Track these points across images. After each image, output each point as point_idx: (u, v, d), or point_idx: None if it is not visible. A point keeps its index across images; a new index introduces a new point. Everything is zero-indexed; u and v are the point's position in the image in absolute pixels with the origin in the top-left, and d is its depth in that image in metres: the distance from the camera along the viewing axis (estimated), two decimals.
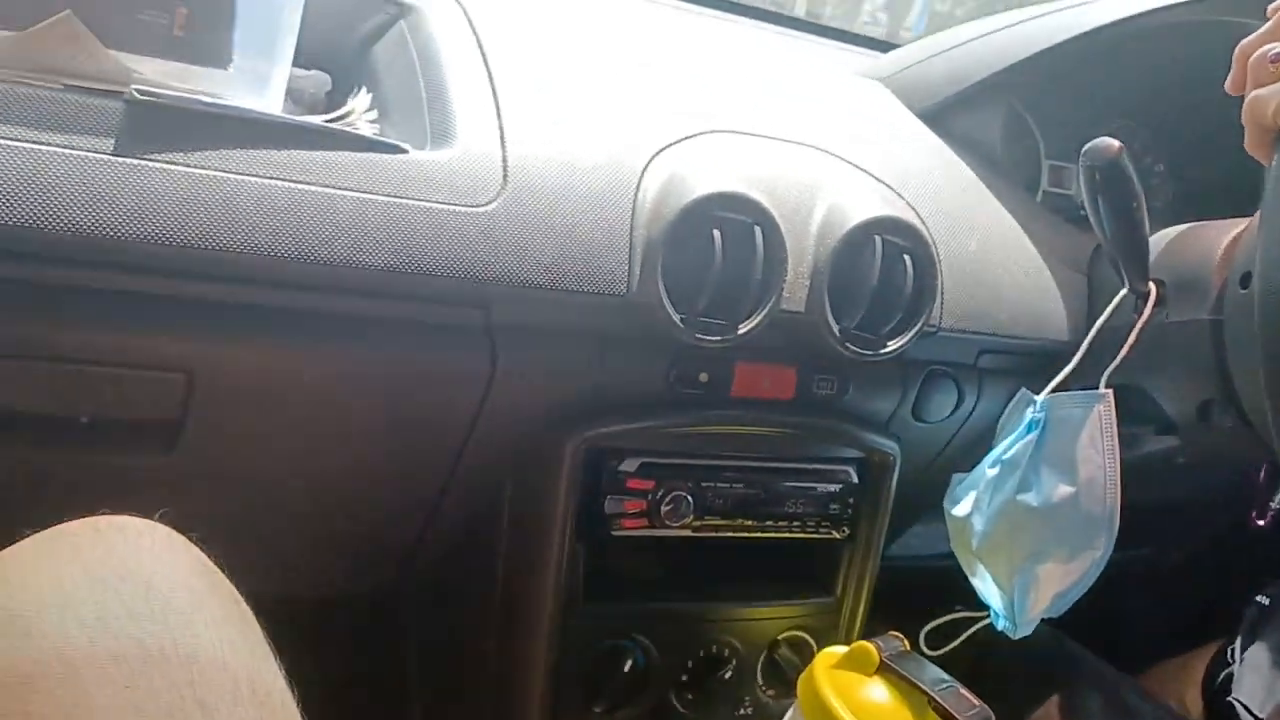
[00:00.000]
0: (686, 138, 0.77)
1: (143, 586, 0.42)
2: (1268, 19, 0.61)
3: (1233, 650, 1.07)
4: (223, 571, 0.48)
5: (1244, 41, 0.60)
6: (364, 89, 0.77)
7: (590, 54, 0.83)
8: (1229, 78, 0.61)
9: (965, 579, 0.91)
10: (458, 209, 0.66)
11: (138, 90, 0.58)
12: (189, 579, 0.45)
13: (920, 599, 1.05)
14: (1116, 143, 0.74)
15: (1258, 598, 1.09)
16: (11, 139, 0.56)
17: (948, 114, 0.95)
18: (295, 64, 0.80)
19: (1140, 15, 0.94)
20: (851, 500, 0.87)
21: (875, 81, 1.00)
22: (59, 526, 0.45)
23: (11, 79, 0.58)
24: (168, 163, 0.59)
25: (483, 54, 0.76)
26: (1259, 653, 1.05)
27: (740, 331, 0.73)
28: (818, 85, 0.96)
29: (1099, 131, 1.08)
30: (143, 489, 0.71)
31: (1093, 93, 1.06)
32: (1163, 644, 1.14)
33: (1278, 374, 0.59)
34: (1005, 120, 0.97)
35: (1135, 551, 1.20)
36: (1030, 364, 0.89)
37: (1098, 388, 0.81)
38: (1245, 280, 0.72)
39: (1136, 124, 1.11)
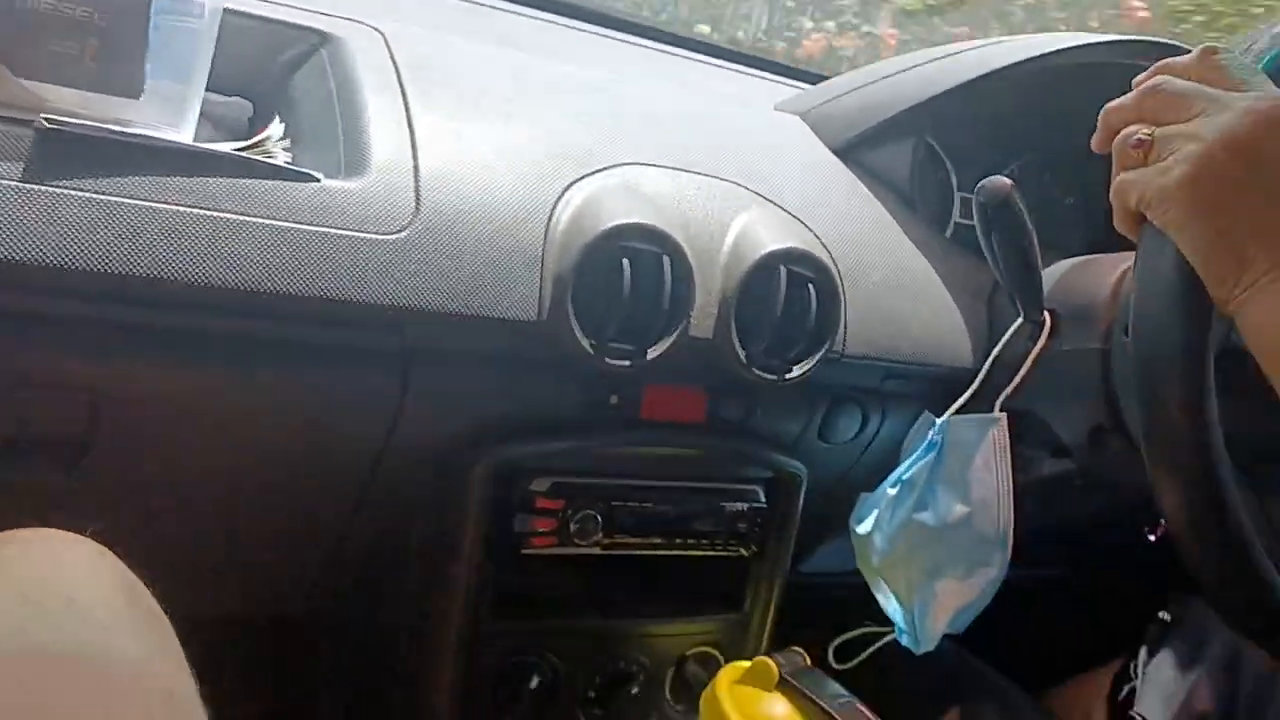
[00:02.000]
0: (600, 169, 0.80)
1: (64, 599, 0.44)
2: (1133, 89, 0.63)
3: (1135, 666, 1.11)
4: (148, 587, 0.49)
5: (1109, 106, 0.60)
6: (281, 117, 0.78)
7: (510, 83, 0.85)
8: (1095, 137, 0.62)
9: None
10: (369, 236, 0.68)
11: (47, 119, 0.60)
12: (111, 593, 0.47)
13: (832, 615, 1.08)
14: (1008, 181, 0.78)
15: (1160, 614, 1.13)
16: None
17: (860, 149, 0.99)
18: (218, 91, 0.82)
19: (1045, 56, 0.98)
20: (759, 519, 0.89)
21: (794, 116, 1.04)
22: None
23: None
24: (75, 189, 0.61)
25: (400, 83, 0.78)
26: (1160, 667, 1.09)
27: (649, 357, 0.76)
28: (736, 119, 0.99)
29: (1011, 165, 1.14)
30: (60, 506, 0.72)
31: (1004, 128, 1.10)
32: (1072, 661, 1.18)
33: (1150, 427, 0.63)
34: (917, 155, 1.01)
35: (1049, 572, 1.24)
36: (934, 389, 0.92)
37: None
38: (1128, 329, 0.76)
39: (1047, 158, 1.15)
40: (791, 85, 1.23)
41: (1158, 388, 0.61)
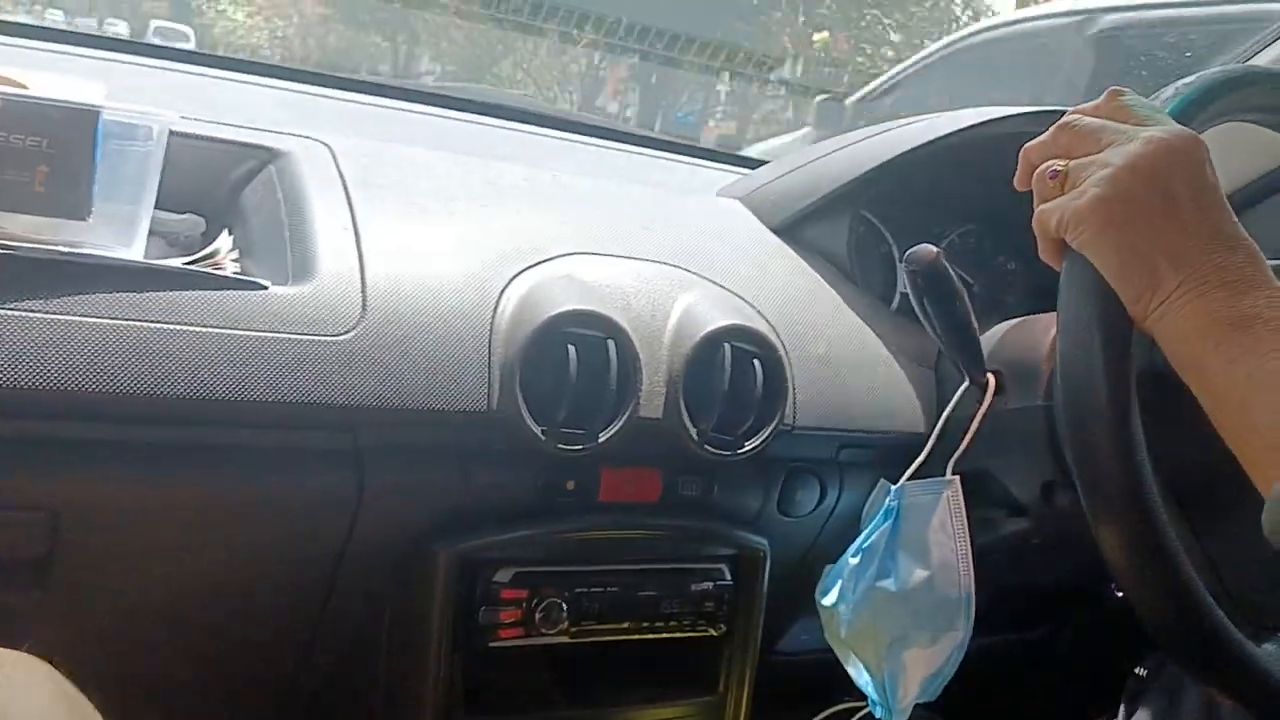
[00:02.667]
0: (543, 261, 0.83)
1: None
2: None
3: None
4: (95, 704, 0.49)
5: (1028, 145, 0.65)
6: (231, 230, 0.81)
7: (452, 185, 0.88)
8: (1017, 175, 0.66)
9: None
10: (316, 339, 0.70)
11: None
12: (49, 710, 0.47)
13: (808, 691, 1.07)
14: (934, 248, 0.81)
15: (1136, 670, 1.13)
16: None
17: (799, 227, 1.02)
18: (172, 209, 0.85)
19: (968, 129, 1.03)
20: (726, 597, 0.90)
21: (734, 200, 1.08)
22: None
23: None
24: (29, 311, 0.63)
25: (346, 192, 0.81)
26: None
27: (600, 440, 0.78)
28: (677, 206, 1.03)
29: (951, 233, 1.17)
30: (14, 622, 0.72)
31: (939, 199, 1.14)
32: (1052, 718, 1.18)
33: (1082, 470, 0.64)
34: (854, 229, 1.04)
35: (1024, 634, 1.24)
36: (890, 455, 0.94)
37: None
38: None
39: (986, 225, 1.19)
40: (734, 171, 1.27)
41: (1086, 432, 0.63)
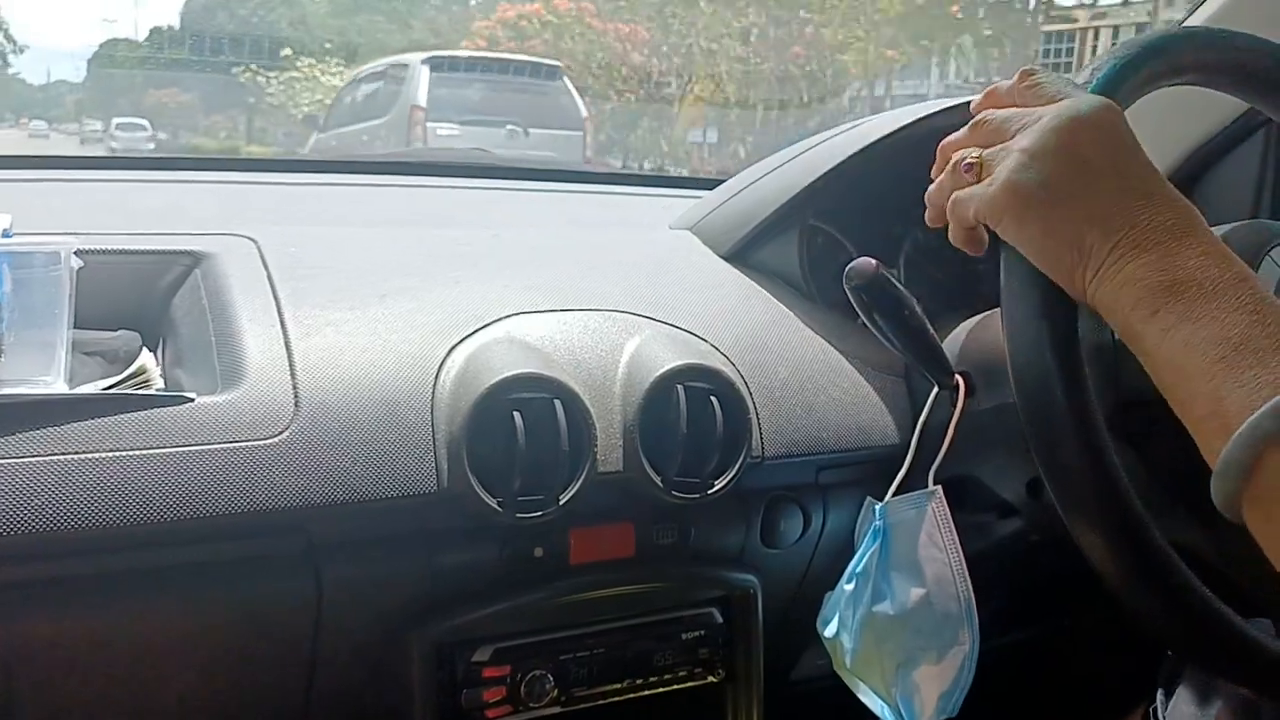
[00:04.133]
0: (480, 327, 0.81)
1: None
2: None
3: (1155, 710, 1.06)
4: None
5: (944, 141, 0.64)
6: (165, 340, 0.80)
7: (384, 262, 0.86)
8: (934, 168, 0.65)
9: None
10: (249, 444, 0.69)
11: None
12: None
13: (829, 717, 1.04)
14: (873, 261, 0.78)
15: (1169, 651, 1.09)
16: None
17: (749, 250, 1.00)
18: (105, 327, 0.84)
19: (911, 124, 1.00)
20: (721, 640, 0.87)
21: (684, 231, 1.05)
22: None
23: None
24: None
25: (273, 287, 0.80)
26: (1179, 708, 1.05)
27: (561, 502, 0.75)
28: (621, 247, 1.00)
29: (913, 233, 1.14)
30: None
31: (895, 201, 1.11)
32: (1094, 715, 1.13)
33: (1051, 475, 0.62)
34: (806, 244, 1.01)
35: (1047, 629, 1.20)
36: (872, 471, 0.91)
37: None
38: None
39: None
40: (692, 196, 1.25)
41: (1043, 426, 0.60)
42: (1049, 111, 0.58)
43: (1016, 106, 0.61)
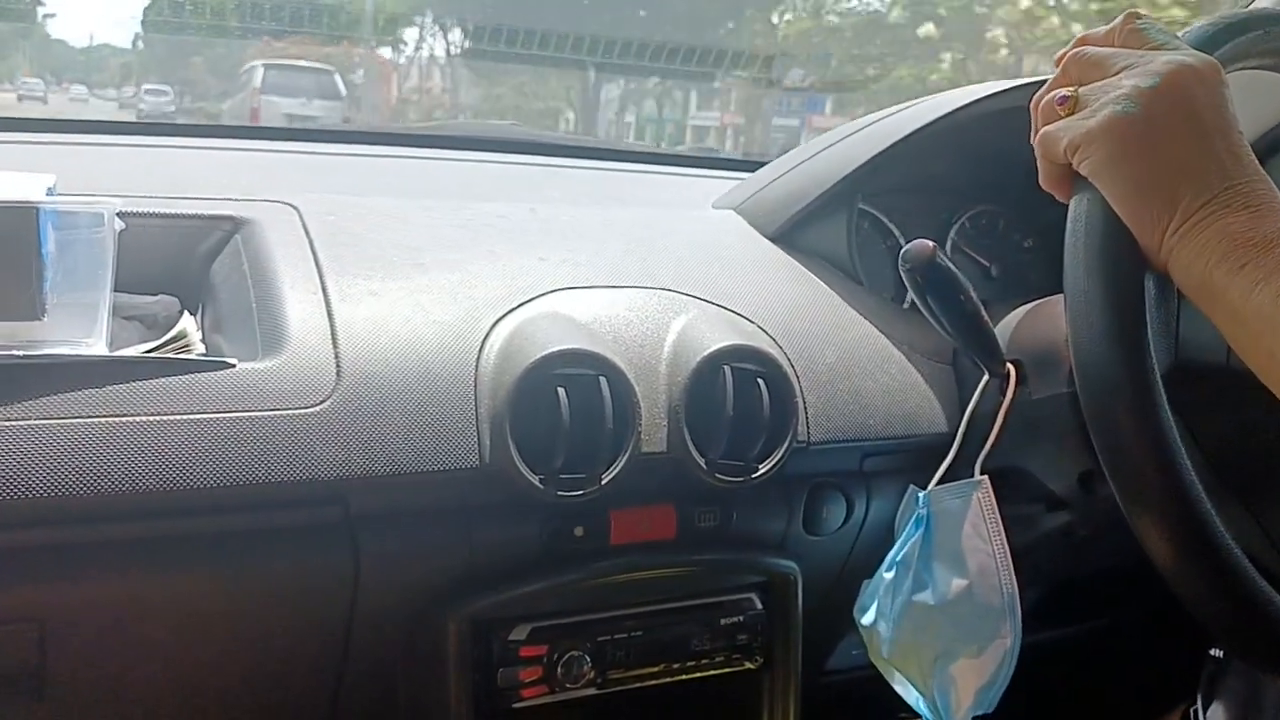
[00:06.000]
0: (524, 302, 0.79)
1: None
2: (1056, 67, 0.63)
3: (1195, 711, 1.05)
4: None
5: (1037, 94, 0.62)
6: (205, 306, 0.79)
7: (425, 233, 0.85)
8: (1032, 131, 0.62)
9: None
10: (291, 413, 0.68)
11: None
12: None
13: (865, 706, 1.02)
14: (930, 243, 0.76)
15: (1211, 652, 1.07)
16: None
17: (796, 232, 0.98)
18: (146, 292, 0.83)
19: (963, 108, 0.97)
20: (759, 627, 0.85)
21: (729, 211, 1.03)
22: None
23: None
24: None
25: (314, 254, 0.78)
26: (1220, 710, 1.03)
27: (604, 482, 0.74)
28: (667, 225, 0.99)
29: (960, 219, 1.12)
30: None
31: (945, 184, 1.09)
32: (1131, 715, 1.12)
33: (1103, 441, 0.60)
34: (858, 226, 0.99)
35: (1089, 625, 1.18)
36: (917, 459, 0.89)
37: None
38: None
39: (999, 205, 1.14)
40: (732, 178, 1.23)
41: (1106, 411, 0.59)
42: (1160, 55, 0.56)
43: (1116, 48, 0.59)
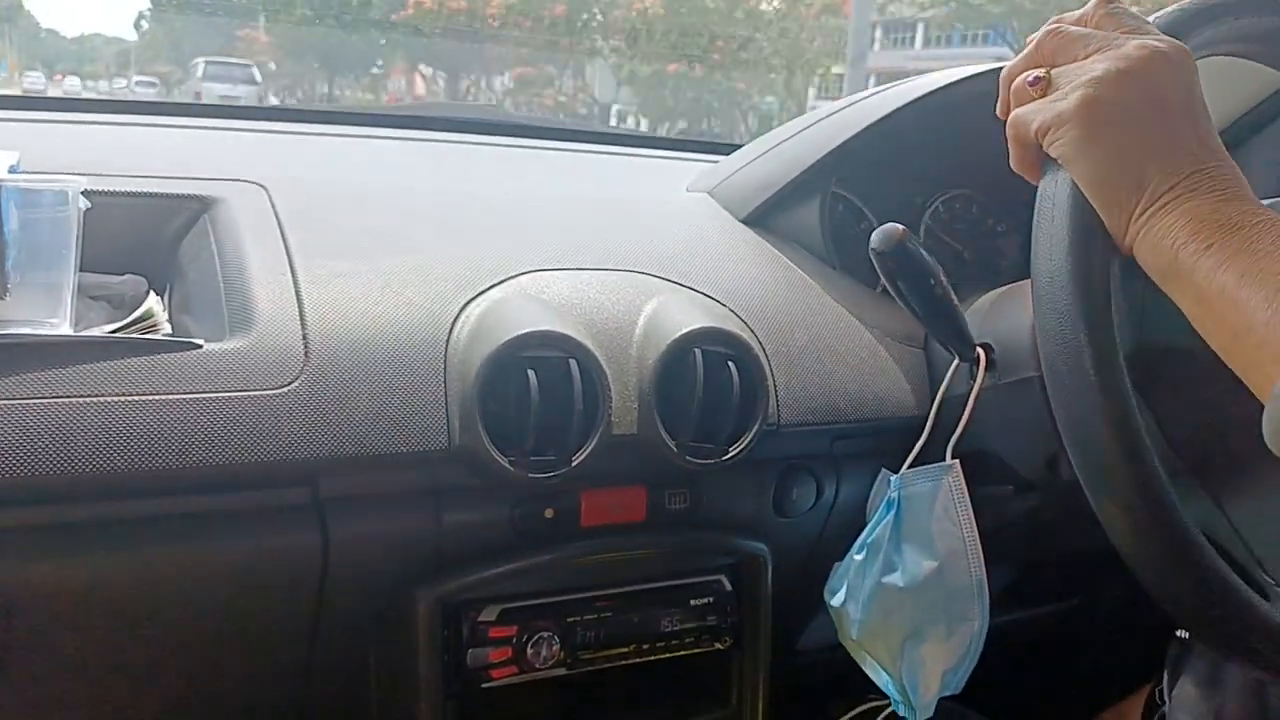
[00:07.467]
0: (495, 284, 0.79)
1: None
2: (1026, 45, 0.64)
3: (1161, 691, 1.06)
4: None
5: (1007, 67, 0.62)
6: (172, 285, 0.78)
7: (396, 215, 0.84)
8: (998, 103, 0.63)
9: None
10: (257, 394, 0.67)
11: None
12: None
13: (834, 686, 1.03)
14: (900, 227, 0.76)
15: (1177, 633, 1.08)
16: None
17: (770, 215, 0.98)
18: (113, 271, 0.83)
19: (936, 92, 0.98)
20: (729, 608, 0.86)
21: (702, 194, 1.03)
22: None
23: None
24: None
25: (283, 235, 0.78)
26: (1185, 689, 1.04)
27: (574, 463, 0.74)
28: (639, 207, 0.99)
29: (933, 202, 1.13)
30: None
31: (917, 168, 1.09)
32: (1098, 696, 1.13)
33: (1066, 422, 0.60)
34: (831, 210, 0.99)
35: (1058, 607, 1.19)
36: (887, 443, 0.89)
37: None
38: None
39: (972, 190, 1.14)
40: (705, 160, 1.23)
41: (1071, 394, 0.59)
42: (1132, 39, 0.57)
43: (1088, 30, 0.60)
